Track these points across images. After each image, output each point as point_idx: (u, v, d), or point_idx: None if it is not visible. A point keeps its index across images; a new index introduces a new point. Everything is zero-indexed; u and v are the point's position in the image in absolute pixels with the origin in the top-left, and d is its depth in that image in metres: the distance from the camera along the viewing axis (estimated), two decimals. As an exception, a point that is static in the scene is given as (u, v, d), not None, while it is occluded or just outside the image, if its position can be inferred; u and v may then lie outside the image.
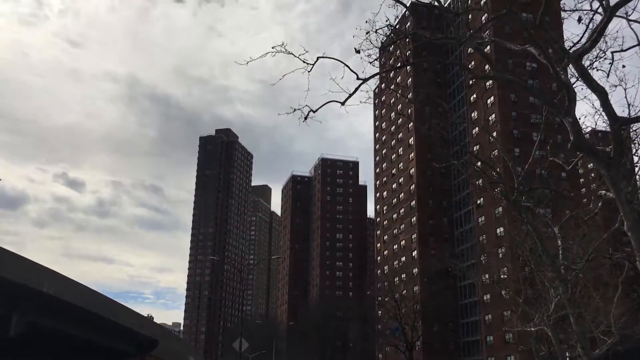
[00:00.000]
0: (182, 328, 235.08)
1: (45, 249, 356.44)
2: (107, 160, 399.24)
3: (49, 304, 29.48)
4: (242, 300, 75.55)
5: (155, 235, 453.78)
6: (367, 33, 13.72)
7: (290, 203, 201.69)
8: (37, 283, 27.37)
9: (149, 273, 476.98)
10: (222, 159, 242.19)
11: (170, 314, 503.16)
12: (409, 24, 67.02)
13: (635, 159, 15.30)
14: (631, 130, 13.30)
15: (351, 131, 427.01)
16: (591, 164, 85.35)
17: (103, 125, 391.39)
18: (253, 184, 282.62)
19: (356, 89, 13.82)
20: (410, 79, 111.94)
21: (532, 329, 29.40)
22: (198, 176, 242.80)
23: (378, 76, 14.62)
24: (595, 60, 12.96)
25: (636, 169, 15.35)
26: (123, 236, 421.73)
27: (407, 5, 14.39)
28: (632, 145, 14.67)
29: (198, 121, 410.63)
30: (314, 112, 14.07)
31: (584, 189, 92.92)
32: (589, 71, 12.34)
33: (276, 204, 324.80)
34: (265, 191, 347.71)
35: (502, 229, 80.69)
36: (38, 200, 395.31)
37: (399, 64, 16.71)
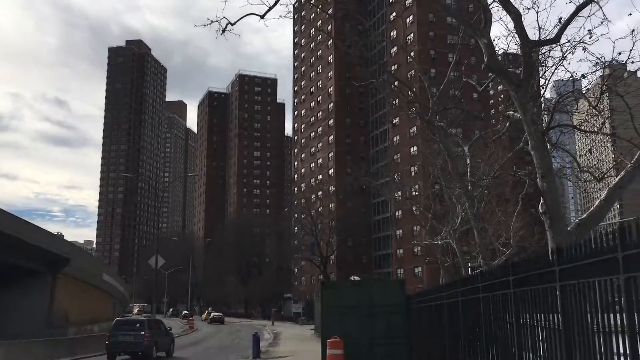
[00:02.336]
0: (94, 246, 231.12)
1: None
2: (2, 71, 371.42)
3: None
4: (157, 217, 74.67)
5: (61, 152, 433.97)
6: (287, -59, 13.10)
7: (206, 120, 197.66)
8: None
9: (56, 190, 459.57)
10: (133, 72, 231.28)
11: (82, 232, 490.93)
12: None
13: (542, 81, 15.92)
14: (540, 53, 13.74)
15: (268, 47, 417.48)
16: (501, 86, 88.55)
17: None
18: (167, 99, 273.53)
19: (276, 2, 13.32)
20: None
21: (439, 242, 31.14)
22: (108, 90, 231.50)
23: (298, -12, 14.15)
24: (511, -18, 13.08)
25: (542, 91, 16.01)
26: (26, 152, 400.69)
27: None
28: (540, 68, 15.19)
29: (105, 31, 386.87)
30: (232, 24, 13.50)
31: (493, 110, 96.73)
32: (505, -8, 12.47)
33: (192, 121, 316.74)
34: (180, 107, 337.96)
35: (415, 148, 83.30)
36: None
37: (320, -23, 16.21)
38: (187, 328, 56.57)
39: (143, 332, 25.31)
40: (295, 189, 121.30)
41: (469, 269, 26.14)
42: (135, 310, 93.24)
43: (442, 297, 11.93)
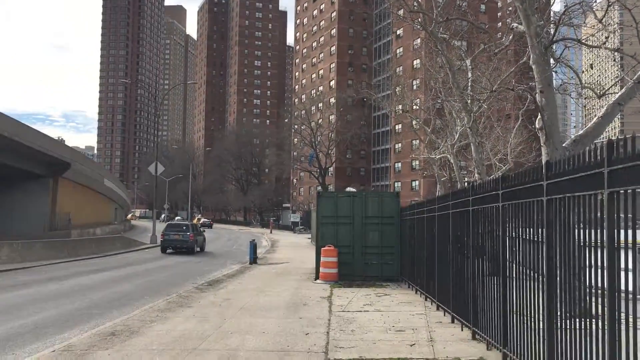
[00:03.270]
0: (95, 152, 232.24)
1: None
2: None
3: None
4: (156, 125, 74.20)
5: (60, 56, 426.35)
6: None
7: (206, 27, 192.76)
8: None
9: (55, 95, 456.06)
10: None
11: (82, 137, 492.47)
12: None
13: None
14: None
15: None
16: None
17: None
18: (166, 3, 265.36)
19: None
20: None
21: (437, 156, 31.26)
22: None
23: None
24: None
25: (551, 3, 15.48)
26: (23, 54, 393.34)
27: None
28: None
29: None
30: None
31: (500, 24, 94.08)
32: None
33: (192, 27, 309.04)
34: (179, 13, 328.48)
35: (418, 61, 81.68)
36: None
37: None
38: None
39: (189, 233, 32.60)
40: (296, 99, 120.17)
41: (465, 183, 26.37)
42: (130, 216, 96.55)
43: (434, 209, 12.11)
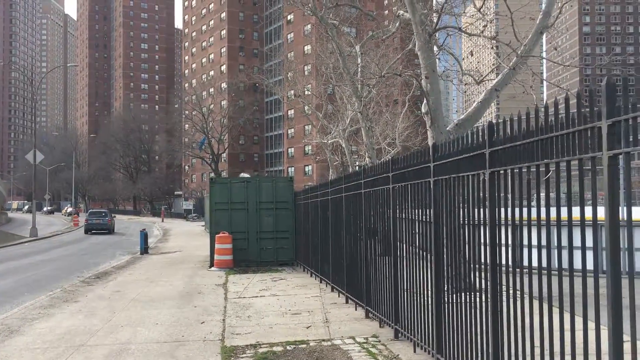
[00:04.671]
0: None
1: None
2: None
3: None
4: (34, 110, 67.85)
5: None
6: None
7: (87, 6, 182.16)
8: None
9: None
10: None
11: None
12: None
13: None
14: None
15: None
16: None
17: None
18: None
19: None
20: None
21: (329, 141, 31.76)
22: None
23: None
24: None
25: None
26: None
27: None
28: (433, -32, 15.16)
29: None
30: None
31: (387, 11, 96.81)
32: None
33: (71, 7, 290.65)
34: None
35: (309, 46, 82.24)
36: None
37: None
38: (72, 225, 54.92)
39: (107, 218, 42.60)
40: (186, 84, 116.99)
41: (357, 167, 27.02)
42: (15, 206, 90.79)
43: (328, 192, 12.29)
